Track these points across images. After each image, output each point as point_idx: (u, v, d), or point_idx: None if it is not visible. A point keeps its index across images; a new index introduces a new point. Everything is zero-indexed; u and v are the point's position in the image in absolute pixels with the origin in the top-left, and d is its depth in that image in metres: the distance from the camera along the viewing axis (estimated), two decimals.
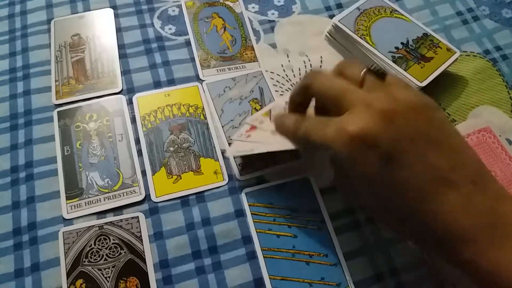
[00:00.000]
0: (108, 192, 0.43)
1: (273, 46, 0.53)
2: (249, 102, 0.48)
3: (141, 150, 0.45)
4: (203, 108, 0.48)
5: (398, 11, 0.52)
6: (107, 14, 0.54)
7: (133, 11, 0.54)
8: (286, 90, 0.49)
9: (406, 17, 0.52)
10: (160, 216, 0.42)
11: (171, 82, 0.49)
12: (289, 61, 0.52)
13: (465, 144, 0.33)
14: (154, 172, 0.44)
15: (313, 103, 0.38)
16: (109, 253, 0.40)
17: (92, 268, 0.39)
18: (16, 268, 0.40)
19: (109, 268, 0.39)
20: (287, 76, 0.50)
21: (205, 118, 0.47)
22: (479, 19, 0.56)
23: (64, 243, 0.40)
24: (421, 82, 0.47)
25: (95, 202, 0.42)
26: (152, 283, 0.39)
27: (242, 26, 0.54)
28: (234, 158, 0.45)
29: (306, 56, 0.52)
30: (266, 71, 0.51)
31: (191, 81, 0.50)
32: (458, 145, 0.32)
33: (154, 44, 0.52)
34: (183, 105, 0.48)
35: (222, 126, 0.47)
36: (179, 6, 0.55)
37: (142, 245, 0.40)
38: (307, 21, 0.55)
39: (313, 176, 0.44)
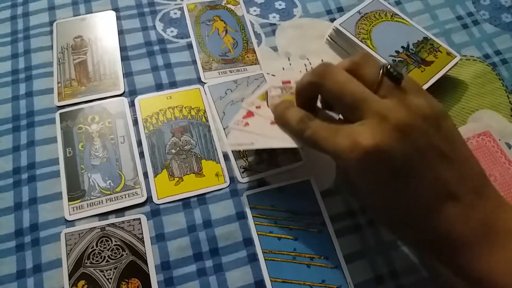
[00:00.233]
0: (110, 194, 0.43)
1: (275, 49, 0.53)
2: None
3: (143, 152, 0.45)
4: (205, 111, 0.48)
5: (398, 15, 0.53)
6: (109, 17, 0.54)
7: (135, 13, 0.54)
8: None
9: (406, 21, 0.52)
10: (161, 218, 0.42)
11: (173, 84, 0.50)
12: (290, 64, 0.52)
13: (469, 153, 0.34)
14: (156, 174, 0.44)
15: None
16: (111, 255, 0.40)
17: (94, 269, 0.39)
18: (18, 269, 0.40)
19: (111, 270, 0.39)
20: None
21: (207, 120, 0.47)
22: (479, 23, 0.56)
23: (66, 245, 0.40)
24: (421, 86, 0.47)
25: (97, 203, 0.42)
26: (153, 284, 0.39)
27: (244, 29, 0.54)
28: (232, 152, 0.44)
29: (307, 59, 0.52)
30: (267, 73, 0.51)
31: (192, 84, 0.50)
32: (464, 155, 0.33)
33: (156, 47, 0.52)
34: (185, 108, 0.48)
35: (224, 129, 0.47)
36: (181, 9, 0.55)
37: (144, 246, 0.41)
38: (308, 25, 0.55)
39: (314, 178, 0.44)
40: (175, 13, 0.55)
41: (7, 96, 0.48)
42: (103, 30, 0.53)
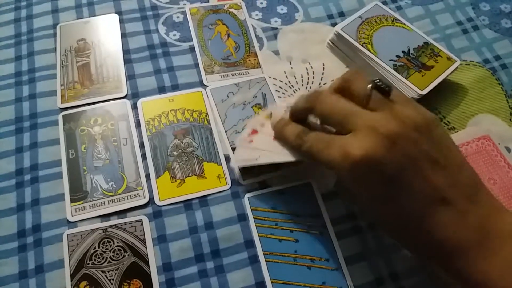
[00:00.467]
0: (112, 196, 0.43)
1: (276, 53, 0.53)
2: (252, 107, 0.49)
3: (145, 154, 0.45)
4: (207, 113, 0.48)
5: (399, 20, 0.53)
6: (112, 20, 0.54)
7: (138, 17, 0.55)
8: (288, 96, 0.50)
9: (407, 26, 0.53)
10: (163, 220, 0.42)
11: (175, 87, 0.50)
12: (291, 68, 0.52)
13: (462, 160, 0.34)
14: (158, 176, 0.44)
15: None
16: (113, 256, 0.40)
17: (96, 270, 0.40)
18: (20, 270, 0.40)
19: (112, 271, 0.40)
20: (289, 83, 0.51)
21: (209, 123, 0.48)
22: (478, 28, 0.57)
23: (68, 246, 0.41)
24: (421, 90, 0.47)
25: (99, 205, 0.42)
26: (155, 286, 0.39)
27: (246, 33, 0.55)
28: (239, 168, 0.45)
29: (309, 63, 0.53)
30: (269, 77, 0.51)
31: (195, 87, 0.50)
32: (457, 162, 0.34)
33: (159, 50, 0.52)
34: (187, 110, 0.48)
35: (226, 131, 0.47)
36: (184, 13, 0.56)
37: (146, 248, 0.41)
38: (309, 29, 0.56)
39: (315, 180, 0.45)
40: (178, 17, 0.55)
41: (11, 98, 0.49)
42: (106, 33, 0.53)
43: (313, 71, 0.52)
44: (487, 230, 0.31)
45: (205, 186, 0.44)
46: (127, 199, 0.43)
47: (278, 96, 0.50)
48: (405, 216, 0.33)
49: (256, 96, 0.50)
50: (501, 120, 0.50)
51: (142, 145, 0.46)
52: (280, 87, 0.51)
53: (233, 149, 0.46)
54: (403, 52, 0.50)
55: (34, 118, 0.47)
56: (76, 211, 0.42)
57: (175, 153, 0.46)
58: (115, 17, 0.54)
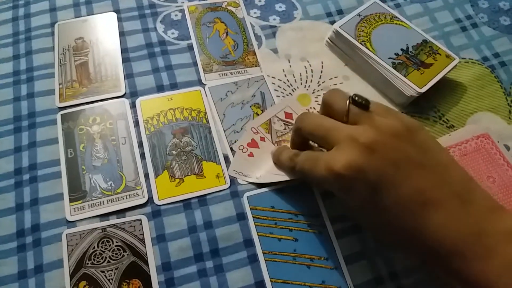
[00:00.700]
0: (111, 195, 0.43)
1: (275, 51, 0.53)
2: (250, 107, 0.49)
3: (144, 153, 0.45)
4: (206, 112, 0.48)
5: (398, 18, 0.53)
6: (111, 18, 0.54)
7: (136, 15, 0.55)
8: (287, 95, 0.50)
9: (406, 23, 0.52)
10: (162, 219, 0.42)
11: (174, 86, 0.50)
12: (290, 66, 0.52)
13: (449, 161, 0.34)
14: (157, 175, 0.44)
15: None
16: (112, 256, 0.40)
17: (95, 270, 0.40)
18: (19, 270, 0.40)
19: (112, 270, 0.40)
20: (288, 81, 0.51)
21: (207, 122, 0.48)
22: (477, 26, 0.57)
23: (67, 245, 0.41)
24: (420, 88, 0.47)
25: (98, 204, 0.42)
26: (154, 285, 0.39)
27: (244, 31, 0.54)
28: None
29: (307, 61, 0.53)
30: (267, 76, 0.51)
31: (193, 85, 0.50)
32: (444, 162, 0.34)
33: (157, 48, 0.52)
34: (185, 109, 0.48)
35: (224, 131, 0.47)
36: (182, 11, 0.56)
37: (145, 247, 0.41)
38: (308, 27, 0.56)
39: None
40: (176, 15, 0.55)
41: (9, 97, 0.48)
42: (104, 31, 0.53)
43: (311, 69, 0.52)
44: (483, 230, 0.31)
45: (204, 185, 0.44)
46: (126, 198, 0.43)
47: (277, 96, 0.50)
48: (395, 221, 0.33)
49: (254, 95, 0.49)
50: (500, 118, 0.50)
51: (140, 144, 0.46)
52: (278, 86, 0.51)
53: (231, 149, 0.46)
54: (401, 50, 0.50)
55: (33, 117, 0.47)
56: (75, 211, 0.42)
57: (174, 152, 0.46)
58: (113, 15, 0.54)
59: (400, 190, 0.32)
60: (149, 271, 0.40)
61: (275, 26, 0.55)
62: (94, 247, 0.41)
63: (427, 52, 0.50)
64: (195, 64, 0.51)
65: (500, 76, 0.53)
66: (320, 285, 0.40)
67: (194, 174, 0.45)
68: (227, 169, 0.45)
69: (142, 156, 0.45)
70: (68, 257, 0.40)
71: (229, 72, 0.51)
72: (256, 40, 0.54)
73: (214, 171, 0.45)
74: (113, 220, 0.42)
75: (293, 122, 0.47)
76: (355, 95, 0.36)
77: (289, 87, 0.51)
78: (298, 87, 0.51)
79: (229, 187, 0.44)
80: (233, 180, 0.44)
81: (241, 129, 0.47)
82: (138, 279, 0.39)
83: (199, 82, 0.50)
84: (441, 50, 0.51)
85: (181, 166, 0.45)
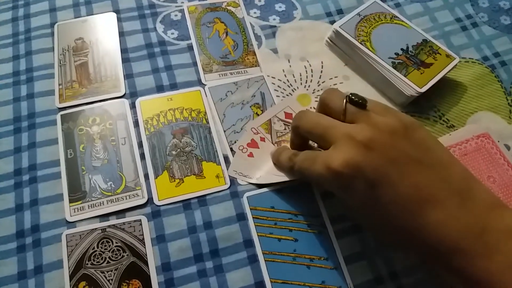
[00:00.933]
0: (111, 195, 0.43)
1: (275, 51, 0.53)
2: (250, 107, 0.49)
3: (143, 153, 0.45)
4: (205, 113, 0.48)
5: (398, 17, 0.53)
6: (110, 18, 0.54)
7: (136, 15, 0.55)
8: (287, 95, 0.50)
9: (406, 23, 0.52)
10: (162, 220, 0.42)
11: (174, 86, 0.50)
12: (290, 66, 0.52)
13: (449, 158, 0.34)
14: (156, 175, 0.44)
15: None
16: (112, 256, 0.40)
17: (95, 270, 0.40)
18: (19, 271, 0.40)
19: (111, 271, 0.40)
20: (288, 81, 0.51)
21: (207, 122, 0.48)
22: (478, 25, 0.56)
23: (67, 246, 0.41)
24: (420, 88, 0.47)
25: (98, 205, 0.42)
26: (154, 285, 0.39)
27: (244, 31, 0.54)
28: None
29: (307, 61, 0.53)
30: (267, 76, 0.51)
31: (193, 86, 0.50)
32: (443, 160, 0.34)
33: (157, 49, 0.52)
34: (185, 109, 0.48)
35: (224, 131, 0.47)
36: (182, 11, 0.55)
37: (145, 248, 0.41)
38: (308, 27, 0.56)
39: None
40: (176, 15, 0.55)
41: (8, 98, 0.48)
42: (104, 32, 0.53)
43: (311, 69, 0.52)
44: (484, 227, 0.31)
45: (204, 186, 0.44)
46: (126, 199, 0.43)
47: (277, 96, 0.50)
48: (394, 220, 0.33)
49: (254, 95, 0.49)
50: (501, 117, 0.50)
51: (140, 145, 0.46)
52: (278, 86, 0.50)
53: (231, 149, 0.46)
54: (401, 49, 0.50)
55: (32, 118, 0.47)
56: (74, 211, 0.42)
57: (173, 152, 0.46)
58: (113, 15, 0.54)
59: (398, 188, 0.32)
60: (149, 272, 0.40)
61: (275, 26, 0.55)
62: (94, 248, 0.41)
63: (427, 51, 0.50)
64: (195, 64, 0.51)
65: (500, 75, 0.53)
66: (320, 285, 0.40)
67: (194, 175, 0.44)
68: (227, 169, 0.45)
69: (142, 156, 0.45)
70: (68, 257, 0.40)
71: (229, 72, 0.51)
72: (256, 40, 0.54)
73: (214, 171, 0.45)
74: (113, 221, 0.42)
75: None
76: (352, 94, 0.36)
77: (289, 87, 0.51)
78: (298, 87, 0.51)
79: (229, 188, 0.44)
80: (233, 181, 0.44)
81: (241, 129, 0.47)
82: (138, 280, 0.39)
83: (199, 82, 0.50)
84: (441, 49, 0.50)
85: (181, 166, 0.45)
